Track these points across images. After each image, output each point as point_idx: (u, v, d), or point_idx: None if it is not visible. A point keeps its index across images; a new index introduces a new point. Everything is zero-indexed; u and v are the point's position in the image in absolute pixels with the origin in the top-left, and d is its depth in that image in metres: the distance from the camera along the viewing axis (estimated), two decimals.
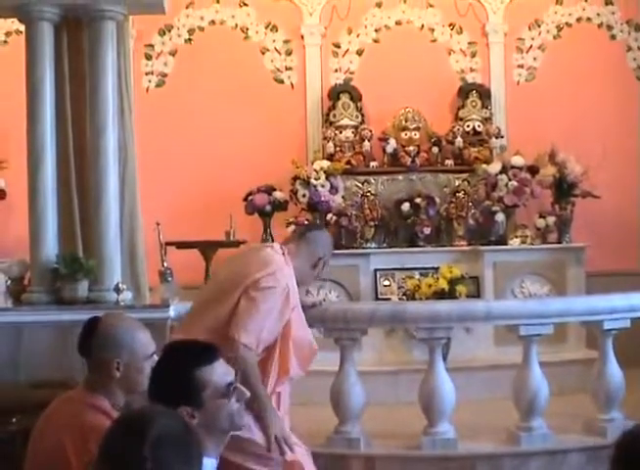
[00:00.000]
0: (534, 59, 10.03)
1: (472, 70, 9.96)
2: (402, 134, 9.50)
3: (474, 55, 9.97)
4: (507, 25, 9.93)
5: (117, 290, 5.97)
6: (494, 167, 9.21)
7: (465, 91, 9.75)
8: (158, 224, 6.94)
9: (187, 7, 9.76)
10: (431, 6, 9.94)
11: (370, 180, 9.41)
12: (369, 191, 9.29)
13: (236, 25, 9.83)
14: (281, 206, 9.12)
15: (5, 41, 9.63)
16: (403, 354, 8.30)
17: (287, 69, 9.83)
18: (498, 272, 8.89)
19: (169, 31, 9.77)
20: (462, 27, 9.96)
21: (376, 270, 8.87)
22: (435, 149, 9.50)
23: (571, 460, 5.99)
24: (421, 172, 9.44)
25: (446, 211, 9.22)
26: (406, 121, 9.55)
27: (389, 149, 9.45)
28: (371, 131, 9.48)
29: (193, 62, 9.73)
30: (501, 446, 6.11)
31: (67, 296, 5.98)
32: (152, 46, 9.77)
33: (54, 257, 6.07)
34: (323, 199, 8.98)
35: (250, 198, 9.04)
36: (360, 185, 9.38)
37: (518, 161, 9.24)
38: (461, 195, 9.25)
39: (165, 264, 6.67)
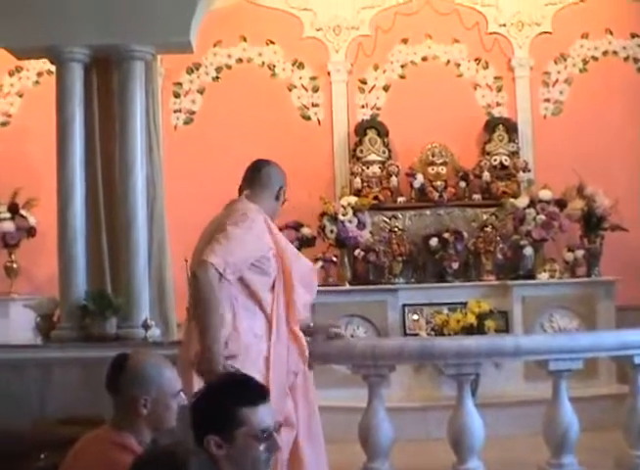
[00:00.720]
0: (561, 92, 10.03)
1: (498, 104, 9.97)
2: (429, 169, 9.52)
3: (500, 89, 9.99)
4: (533, 59, 9.95)
5: (146, 326, 6.00)
6: (522, 201, 9.19)
7: (491, 125, 9.75)
8: (186, 261, 6.94)
9: (214, 45, 9.85)
10: (456, 41, 9.98)
11: (398, 215, 9.43)
12: (397, 226, 9.31)
13: (263, 63, 9.91)
14: (309, 242, 9.13)
15: (37, 81, 9.77)
16: (432, 390, 8.27)
17: (314, 105, 9.89)
18: (527, 307, 8.85)
19: (197, 69, 9.86)
20: (488, 62, 9.99)
21: (404, 306, 8.86)
22: (463, 183, 9.51)
23: None
24: (448, 207, 9.44)
25: (474, 246, 9.20)
26: (433, 156, 9.57)
27: (417, 184, 9.46)
28: (398, 167, 9.51)
29: (220, 99, 9.80)
30: None
31: (95, 332, 6.02)
32: (180, 84, 9.86)
33: (83, 293, 6.11)
34: (351, 234, 8.99)
35: None
36: (388, 220, 9.40)
37: (545, 194, 9.23)
38: (489, 229, 9.25)
39: None
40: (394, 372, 6.14)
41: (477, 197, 9.50)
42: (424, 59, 9.99)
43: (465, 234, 9.22)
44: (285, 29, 9.91)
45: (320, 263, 8.96)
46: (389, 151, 9.63)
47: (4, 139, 9.71)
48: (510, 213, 9.30)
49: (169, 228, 6.70)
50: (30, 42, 6.23)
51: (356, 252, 9.06)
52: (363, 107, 9.92)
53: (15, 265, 9.33)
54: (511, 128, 9.73)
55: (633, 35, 10.00)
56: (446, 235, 9.14)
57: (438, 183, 9.46)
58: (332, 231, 9.06)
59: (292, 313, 4.94)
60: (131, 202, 6.23)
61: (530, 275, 9.09)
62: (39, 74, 9.70)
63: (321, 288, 8.83)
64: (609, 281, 9.01)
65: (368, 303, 8.77)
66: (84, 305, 6.06)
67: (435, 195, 9.41)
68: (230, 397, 3.09)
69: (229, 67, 9.90)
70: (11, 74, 9.82)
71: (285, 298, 4.92)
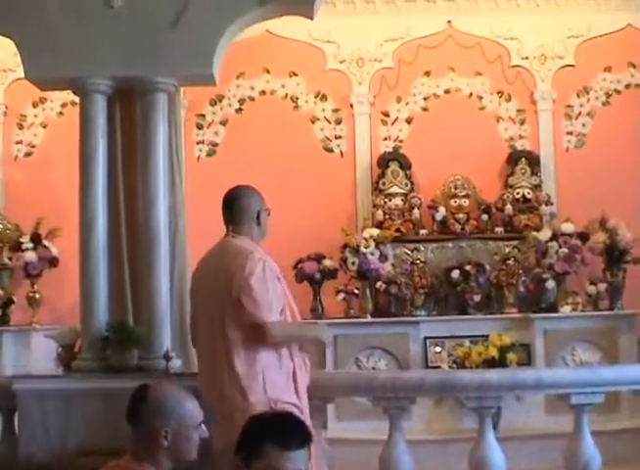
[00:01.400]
0: (583, 125, 10.05)
1: (521, 137, 10.00)
2: (452, 202, 9.53)
3: (522, 122, 10.01)
4: (555, 92, 9.98)
5: (167, 357, 5.98)
6: (544, 234, 9.19)
7: (514, 158, 9.77)
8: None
9: (237, 77, 9.92)
10: (479, 74, 10.02)
11: (419, 248, 9.44)
12: (418, 259, 9.31)
13: (286, 95, 9.96)
14: (331, 274, 9.14)
15: (60, 112, 9.86)
16: (453, 423, 8.23)
17: (336, 137, 9.93)
18: (549, 340, 8.83)
19: (220, 101, 9.93)
20: (510, 95, 10.03)
21: (426, 338, 8.85)
22: (485, 216, 9.51)
23: None
24: (470, 240, 9.45)
25: (496, 279, 9.20)
26: (455, 189, 9.58)
27: (439, 216, 9.47)
28: (420, 199, 9.53)
29: (243, 131, 9.86)
30: None
31: (116, 363, 6.01)
32: (203, 116, 9.92)
33: (104, 324, 6.10)
34: (372, 267, 8.99)
35: (299, 266, 9.07)
36: (410, 253, 9.40)
37: (568, 227, 9.22)
38: (511, 262, 9.25)
39: None
40: (415, 405, 6.12)
41: (499, 230, 9.50)
42: (446, 91, 10.04)
43: (487, 267, 9.22)
44: (308, 61, 9.97)
45: (342, 295, 8.98)
46: (412, 183, 9.65)
47: (28, 169, 9.79)
48: (532, 246, 9.29)
49: (191, 260, 6.70)
50: (54, 73, 6.26)
51: (378, 284, 9.06)
52: (386, 139, 9.96)
53: (37, 296, 9.38)
54: (533, 161, 9.74)
55: None
56: (468, 267, 9.14)
57: (461, 216, 9.47)
58: (353, 263, 9.06)
59: None
60: (153, 233, 6.23)
61: (553, 308, 9.07)
62: (63, 105, 9.80)
63: (343, 320, 8.95)
64: (631, 314, 8.99)
65: (389, 335, 8.77)
66: (105, 336, 6.06)
67: (458, 227, 9.41)
68: (267, 429, 3.19)
69: (252, 99, 9.96)
70: (35, 105, 9.92)
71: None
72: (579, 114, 10.06)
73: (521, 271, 9.23)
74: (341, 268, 9.19)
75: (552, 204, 9.62)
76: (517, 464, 6.42)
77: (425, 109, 10.01)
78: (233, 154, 9.80)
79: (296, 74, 9.98)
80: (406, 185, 9.61)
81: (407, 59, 9.97)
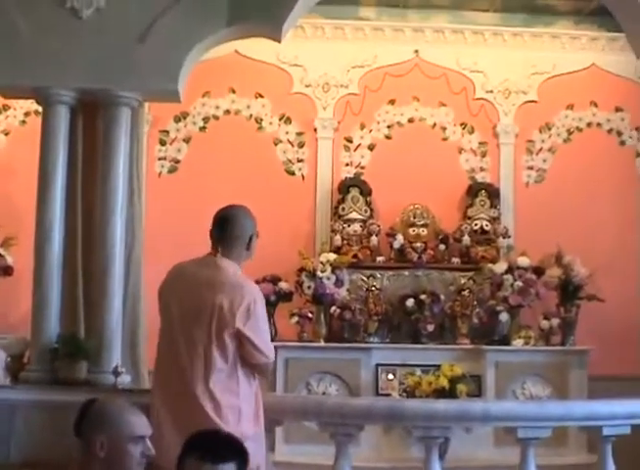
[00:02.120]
0: (544, 161, 10.13)
1: (482, 169, 10.07)
2: (410, 230, 9.56)
3: (484, 155, 10.08)
4: (518, 127, 10.06)
5: (116, 373, 5.94)
6: (500, 267, 9.24)
7: (474, 190, 9.83)
8: None
9: (203, 95, 9.91)
10: (443, 105, 10.08)
11: (376, 275, 9.44)
12: (374, 285, 9.32)
13: (250, 116, 9.97)
14: (286, 296, 9.12)
15: (23, 121, 9.80)
16: (401, 451, 8.23)
17: (298, 160, 9.94)
18: (500, 372, 8.86)
19: (185, 118, 9.91)
20: (473, 127, 10.10)
21: (377, 365, 8.85)
22: (442, 246, 9.54)
23: None
24: (427, 269, 9.47)
25: (451, 309, 9.23)
26: (414, 218, 9.61)
27: (397, 244, 9.49)
28: (379, 226, 9.55)
29: (206, 149, 9.85)
30: None
31: (64, 376, 5.96)
32: (167, 132, 9.89)
33: (54, 336, 6.06)
34: (328, 291, 8.99)
35: None
36: (366, 279, 9.41)
37: (524, 261, 9.27)
38: (466, 293, 9.28)
39: None
40: (364, 432, 6.11)
41: (455, 260, 9.53)
42: (410, 120, 10.09)
43: (442, 296, 9.24)
44: (274, 84, 9.99)
45: (296, 318, 8.97)
46: (371, 210, 9.67)
47: None
48: (488, 278, 9.34)
49: (146, 276, 6.67)
50: (17, 82, 6.23)
51: (332, 309, 9.05)
52: (347, 165, 9.98)
53: None
54: (493, 194, 9.80)
55: (617, 109, 10.14)
56: (423, 297, 9.16)
57: (418, 245, 9.49)
58: (309, 287, 9.06)
59: None
60: (109, 247, 6.20)
61: (505, 341, 9.11)
62: (26, 114, 9.74)
63: (295, 343, 8.94)
64: (582, 350, 9.04)
65: (341, 360, 8.77)
66: (55, 348, 6.01)
67: (415, 256, 9.44)
68: (192, 446, 3.27)
69: (216, 117, 9.95)
70: None
71: None
72: (540, 149, 10.15)
73: (475, 303, 9.27)
74: (296, 291, 9.18)
75: (509, 237, 9.68)
76: None
77: (388, 136, 10.05)
78: (195, 171, 9.79)
79: (261, 96, 9.99)
80: (366, 211, 9.63)
81: (373, 86, 10.01)
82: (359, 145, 10.02)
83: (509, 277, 9.15)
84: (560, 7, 10.18)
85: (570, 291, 9.24)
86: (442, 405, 5.98)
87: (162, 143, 9.88)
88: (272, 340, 8.44)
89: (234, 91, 9.97)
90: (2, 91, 6.59)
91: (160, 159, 9.86)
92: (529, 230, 9.74)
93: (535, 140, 10.14)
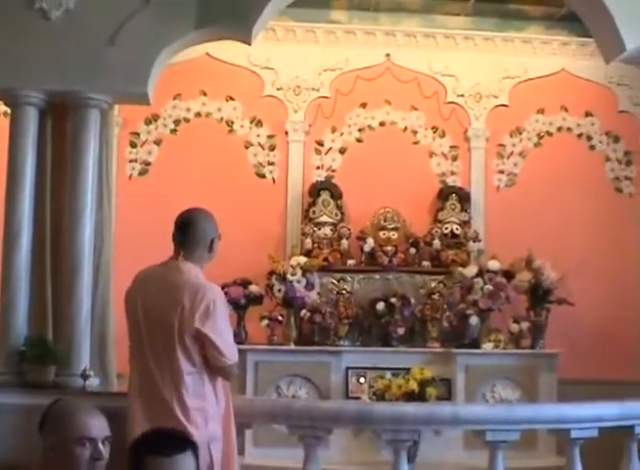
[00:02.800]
0: (515, 165, 10.16)
1: (452, 173, 10.08)
2: (380, 234, 9.56)
3: (455, 158, 10.10)
4: (489, 131, 10.09)
5: (84, 376, 5.93)
6: (470, 271, 9.25)
7: (445, 194, 9.85)
8: None
9: (174, 98, 9.87)
10: (415, 109, 10.09)
11: (346, 278, 9.44)
12: (344, 289, 9.32)
13: (221, 119, 9.94)
14: (256, 300, 9.10)
15: None
16: (371, 454, 8.20)
17: (269, 163, 9.92)
18: (470, 376, 8.88)
19: (155, 121, 9.87)
20: (444, 131, 10.11)
21: (348, 368, 8.84)
22: (413, 250, 9.55)
23: None
24: (397, 272, 9.47)
25: (421, 313, 9.23)
26: (385, 221, 9.62)
27: (367, 248, 9.49)
28: (349, 229, 9.54)
29: (177, 152, 9.81)
30: None
31: (32, 379, 5.94)
32: (137, 134, 9.85)
33: (22, 339, 6.04)
34: (298, 295, 8.98)
35: (225, 290, 8.97)
36: (336, 282, 9.40)
37: (494, 265, 9.29)
38: (436, 297, 9.28)
39: None
40: (334, 435, 6.11)
41: (426, 264, 9.54)
42: (381, 124, 10.09)
43: (412, 300, 9.24)
44: (245, 86, 9.97)
45: (266, 322, 8.95)
46: (342, 213, 9.66)
47: None
48: (458, 282, 9.35)
49: (116, 278, 6.65)
50: None
51: (302, 312, 9.04)
52: (318, 168, 9.98)
53: None
54: (464, 198, 9.82)
55: (587, 114, 10.19)
56: (393, 300, 9.16)
57: (389, 248, 9.49)
58: (279, 290, 9.04)
59: None
60: (78, 249, 6.18)
61: (475, 344, 9.12)
62: None
63: (265, 347, 8.93)
64: (552, 354, 9.06)
65: (312, 363, 8.76)
66: (23, 351, 5.99)
67: (385, 259, 9.44)
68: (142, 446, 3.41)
69: (187, 120, 9.92)
70: None
71: None
72: (511, 153, 10.18)
73: (445, 306, 9.27)
74: (266, 295, 9.15)
75: (480, 241, 9.70)
76: None
77: (359, 140, 10.06)
78: (165, 174, 9.75)
79: (232, 99, 9.97)
80: (336, 215, 9.62)
81: (344, 89, 10.02)
82: (330, 148, 10.01)
83: (479, 281, 9.17)
84: (531, 12, 10.23)
85: (539, 295, 9.26)
86: (411, 409, 6.00)
87: (133, 145, 9.83)
88: (242, 343, 8.65)
89: (205, 94, 9.94)
90: None
91: (130, 161, 9.82)
92: (500, 234, 9.77)
93: (506, 144, 10.17)
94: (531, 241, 9.45)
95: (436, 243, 9.54)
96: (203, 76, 9.86)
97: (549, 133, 10.21)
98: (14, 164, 6.23)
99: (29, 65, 6.14)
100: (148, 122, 9.86)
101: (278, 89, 9.98)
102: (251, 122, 9.96)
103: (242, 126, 9.95)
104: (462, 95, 10.12)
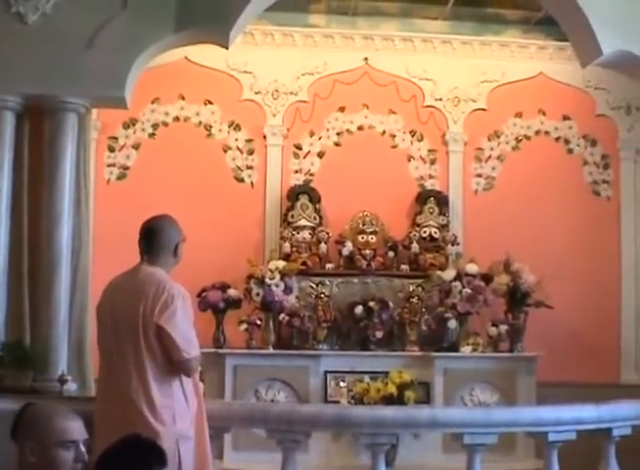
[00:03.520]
0: (493, 169, 10.18)
1: (431, 176, 10.09)
2: (359, 237, 9.56)
3: (433, 162, 10.12)
4: (467, 135, 10.11)
5: (62, 381, 5.91)
6: (449, 274, 9.26)
7: (423, 197, 9.85)
8: None
9: (152, 102, 9.84)
10: (393, 112, 10.10)
11: (325, 282, 9.43)
12: (323, 293, 9.30)
13: (200, 123, 9.92)
14: (235, 303, 9.08)
15: None
16: (351, 458, 8.21)
17: (248, 167, 9.91)
18: (448, 379, 8.89)
19: (134, 125, 9.83)
20: (423, 135, 10.12)
21: (326, 372, 8.84)
22: (391, 253, 9.55)
23: None
24: (376, 276, 9.47)
25: (399, 316, 9.23)
26: (363, 225, 9.62)
27: (346, 252, 9.49)
28: (328, 233, 9.53)
29: (155, 156, 9.78)
30: None
31: (10, 384, 5.92)
32: (115, 138, 9.81)
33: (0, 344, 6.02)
34: (277, 298, 8.96)
35: (203, 294, 9.00)
36: (315, 286, 9.39)
37: (472, 268, 9.30)
38: (415, 300, 9.28)
39: None
40: (314, 438, 6.12)
41: (404, 267, 9.55)
42: (360, 128, 10.10)
43: (391, 304, 9.23)
44: (224, 90, 9.95)
45: (244, 326, 8.94)
46: (320, 217, 9.66)
47: None
48: (436, 286, 9.35)
49: (93, 282, 6.63)
50: None
51: (281, 316, 9.03)
52: (297, 172, 9.97)
53: None
54: (442, 201, 9.83)
55: (565, 117, 10.22)
56: (372, 304, 9.16)
57: (367, 252, 9.49)
58: (258, 294, 9.02)
59: None
60: (56, 253, 6.18)
61: (454, 348, 9.13)
62: None
63: (244, 351, 8.92)
64: (530, 357, 9.08)
65: (290, 367, 8.75)
66: (0, 356, 5.96)
67: (364, 263, 9.43)
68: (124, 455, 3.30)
69: (166, 124, 9.89)
70: None
71: None
72: (489, 157, 10.20)
73: (424, 310, 9.27)
74: (245, 299, 9.13)
75: (458, 244, 9.71)
76: None
77: (337, 144, 10.06)
78: (144, 178, 9.72)
79: (211, 103, 9.95)
80: (315, 219, 9.62)
81: (322, 93, 10.02)
82: (309, 152, 10.01)
83: (457, 284, 9.18)
84: (509, 16, 10.27)
85: (518, 298, 9.28)
86: (390, 412, 6.01)
87: (111, 149, 9.79)
88: (220, 347, 8.63)
89: (183, 98, 9.92)
90: None
91: (108, 165, 9.77)
92: (478, 237, 9.78)
93: (484, 148, 10.20)
94: (509, 244, 9.46)
95: (415, 246, 9.54)
96: (181, 80, 9.83)
97: (527, 137, 10.24)
98: None
99: (6, 69, 6.12)
100: (126, 127, 9.82)
101: (256, 93, 9.97)
102: (229, 126, 9.94)
103: (220, 130, 9.93)
104: (440, 99, 10.14)
